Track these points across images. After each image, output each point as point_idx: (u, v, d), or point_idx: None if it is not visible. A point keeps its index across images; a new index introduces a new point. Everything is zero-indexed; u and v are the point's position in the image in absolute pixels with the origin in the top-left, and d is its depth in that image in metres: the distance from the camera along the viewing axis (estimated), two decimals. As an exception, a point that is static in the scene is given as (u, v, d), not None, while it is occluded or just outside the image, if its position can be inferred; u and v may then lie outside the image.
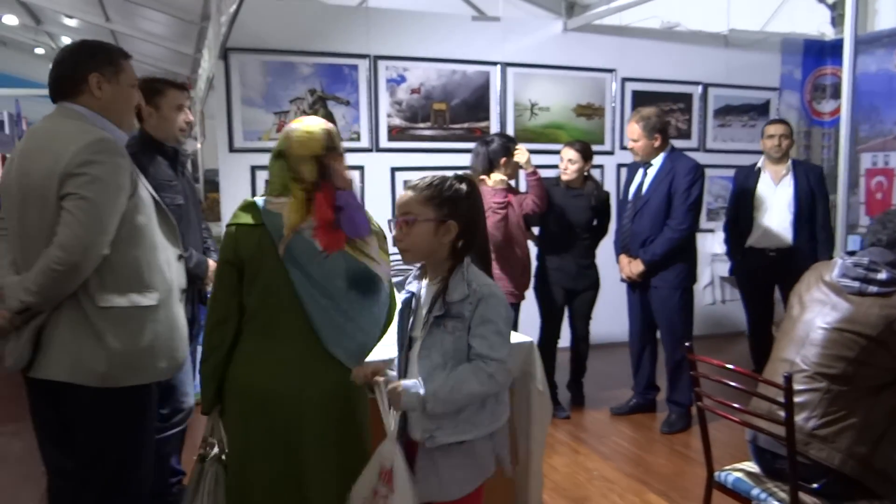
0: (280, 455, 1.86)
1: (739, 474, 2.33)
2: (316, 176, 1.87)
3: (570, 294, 4.26)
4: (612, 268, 4.25)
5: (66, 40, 13.03)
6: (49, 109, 2.09)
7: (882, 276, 2.12)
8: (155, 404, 2.16)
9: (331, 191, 1.86)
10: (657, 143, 3.92)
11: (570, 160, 4.17)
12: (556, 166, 4.33)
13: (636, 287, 4.09)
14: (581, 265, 4.21)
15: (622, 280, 4.16)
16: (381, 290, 1.92)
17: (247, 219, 1.90)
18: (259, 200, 1.91)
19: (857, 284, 2.15)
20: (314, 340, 1.86)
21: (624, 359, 4.43)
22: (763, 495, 2.20)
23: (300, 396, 1.85)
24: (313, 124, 1.93)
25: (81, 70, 2.02)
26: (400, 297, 1.90)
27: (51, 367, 1.93)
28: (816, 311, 2.21)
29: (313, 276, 1.84)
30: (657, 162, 3.95)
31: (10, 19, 11.80)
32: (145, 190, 2.07)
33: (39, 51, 15.34)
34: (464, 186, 1.82)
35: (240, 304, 1.91)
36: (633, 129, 3.95)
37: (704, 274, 5.81)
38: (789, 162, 4.43)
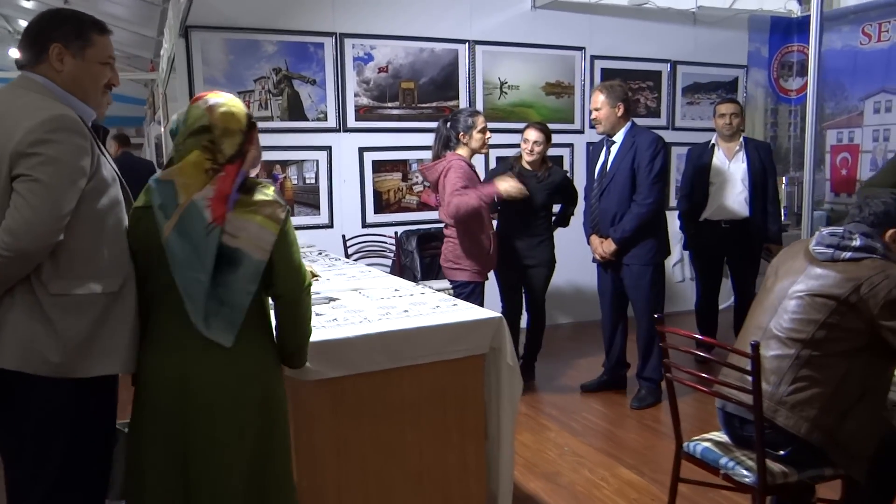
0: (163, 445, 1.85)
1: (708, 444, 2.33)
2: (235, 150, 1.84)
3: (523, 270, 4.25)
4: (583, 247, 4.23)
5: (22, 23, 12.67)
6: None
7: (856, 242, 2.14)
8: (115, 396, 2.07)
9: (238, 167, 1.84)
10: (620, 112, 3.90)
11: (535, 142, 4.15)
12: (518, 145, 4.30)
13: (608, 265, 4.08)
14: (532, 243, 4.21)
15: (594, 261, 4.15)
16: (242, 263, 1.81)
17: (140, 201, 1.89)
18: (151, 181, 1.87)
19: (830, 251, 2.17)
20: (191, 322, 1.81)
21: (594, 338, 4.43)
22: (731, 464, 2.20)
23: (187, 384, 1.83)
24: (233, 99, 1.90)
25: (43, 39, 1.89)
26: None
27: (0, 353, 1.83)
28: (790, 280, 2.22)
29: (199, 249, 1.78)
30: (619, 138, 3.94)
31: (-36, 1, 11.42)
32: (109, 170, 1.94)
33: (-5, 34, 14.90)
34: None
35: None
36: (597, 98, 3.94)
37: (674, 252, 5.83)
38: (741, 139, 4.62)
